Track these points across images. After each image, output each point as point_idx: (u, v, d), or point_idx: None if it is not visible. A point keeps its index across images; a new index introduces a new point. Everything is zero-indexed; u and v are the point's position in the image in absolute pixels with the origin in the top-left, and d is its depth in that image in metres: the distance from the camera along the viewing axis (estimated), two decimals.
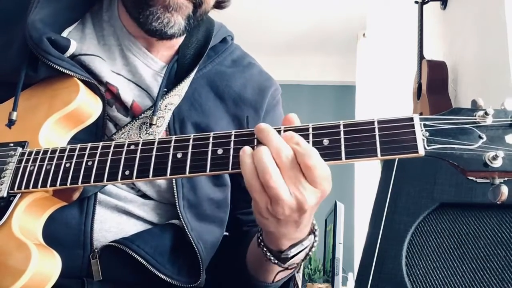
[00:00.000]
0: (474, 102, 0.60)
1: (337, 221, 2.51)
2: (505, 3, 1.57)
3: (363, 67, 3.99)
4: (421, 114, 2.06)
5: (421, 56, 2.16)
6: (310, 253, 0.71)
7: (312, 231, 0.71)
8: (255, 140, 0.62)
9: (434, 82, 2.02)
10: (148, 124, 0.80)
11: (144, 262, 0.76)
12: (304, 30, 4.23)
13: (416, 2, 2.26)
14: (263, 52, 4.35)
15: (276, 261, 0.71)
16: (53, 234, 0.72)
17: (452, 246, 0.84)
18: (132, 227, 0.80)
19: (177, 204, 0.80)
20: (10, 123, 0.76)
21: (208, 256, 0.85)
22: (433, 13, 2.29)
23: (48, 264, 0.65)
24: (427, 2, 2.23)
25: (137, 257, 0.75)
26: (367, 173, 3.50)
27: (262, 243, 0.72)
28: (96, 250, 0.76)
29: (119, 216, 0.80)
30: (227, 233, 0.94)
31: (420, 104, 2.12)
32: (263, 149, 0.59)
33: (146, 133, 0.80)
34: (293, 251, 0.69)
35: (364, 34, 4.02)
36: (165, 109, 0.82)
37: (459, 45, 2.02)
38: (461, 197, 0.85)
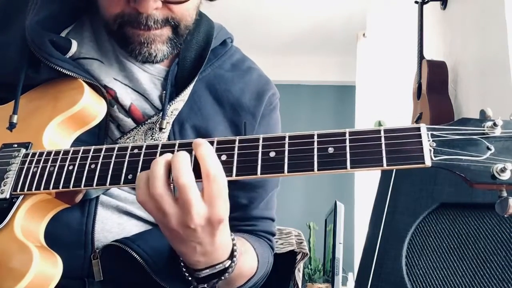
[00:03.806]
0: (482, 112, 0.57)
1: (337, 221, 2.51)
2: (505, 3, 1.57)
3: (363, 67, 3.99)
4: (421, 114, 2.07)
5: (421, 56, 2.16)
6: (223, 277, 0.69)
7: (231, 256, 0.70)
8: (260, 146, 0.61)
9: (434, 82, 2.02)
10: (154, 130, 0.80)
11: (143, 262, 0.75)
12: (304, 30, 4.23)
13: (416, 2, 2.26)
14: (263, 52, 4.36)
15: (190, 278, 0.70)
16: (54, 235, 0.72)
17: (452, 246, 0.84)
18: (133, 228, 0.81)
19: None
20: (11, 126, 0.76)
21: None
22: (433, 13, 2.29)
23: (49, 266, 0.65)
24: (427, 2, 2.23)
25: (137, 257, 0.75)
26: (367, 173, 3.50)
27: (180, 258, 0.71)
28: (97, 251, 0.76)
29: (120, 217, 0.80)
30: None
31: (420, 104, 2.12)
32: (159, 158, 0.61)
33: (152, 139, 0.80)
34: (204, 273, 0.68)
35: (364, 34, 4.02)
36: (171, 114, 0.82)
37: (459, 45, 2.02)
38: (461, 197, 0.85)
